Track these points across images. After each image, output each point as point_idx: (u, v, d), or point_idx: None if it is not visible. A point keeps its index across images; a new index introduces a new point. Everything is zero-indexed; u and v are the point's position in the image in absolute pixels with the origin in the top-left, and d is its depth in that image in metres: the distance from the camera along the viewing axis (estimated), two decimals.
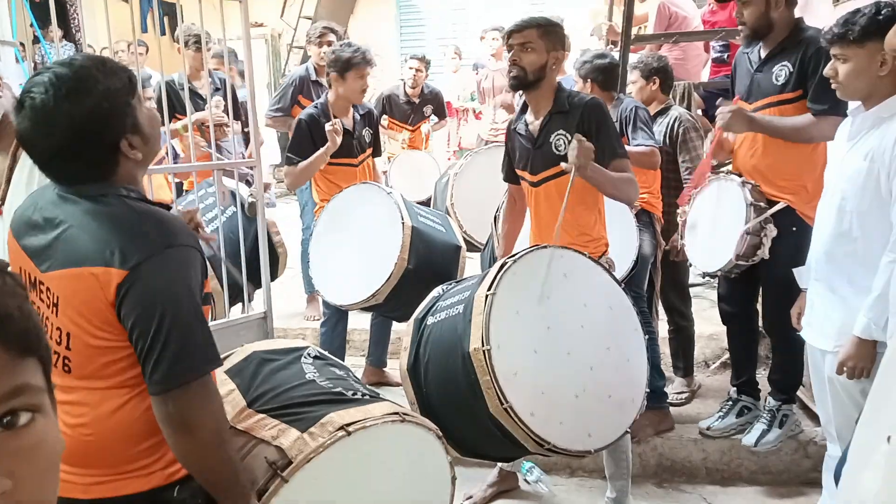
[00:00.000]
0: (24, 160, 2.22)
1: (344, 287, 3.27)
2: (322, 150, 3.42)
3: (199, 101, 4.28)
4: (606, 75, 3.21)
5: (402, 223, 3.16)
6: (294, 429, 1.51)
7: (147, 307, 1.28)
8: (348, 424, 1.50)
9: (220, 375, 1.76)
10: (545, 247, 2.22)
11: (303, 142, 3.48)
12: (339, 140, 3.40)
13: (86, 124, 1.30)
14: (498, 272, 2.07)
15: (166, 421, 1.30)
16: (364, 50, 3.60)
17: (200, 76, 4.49)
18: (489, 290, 2.02)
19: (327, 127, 3.40)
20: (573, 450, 2.00)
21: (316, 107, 3.56)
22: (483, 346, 1.93)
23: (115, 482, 1.35)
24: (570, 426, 2.00)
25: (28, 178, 2.20)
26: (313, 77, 4.65)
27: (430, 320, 2.24)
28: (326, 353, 2.00)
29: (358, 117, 3.64)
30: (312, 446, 1.46)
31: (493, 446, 2.08)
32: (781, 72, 2.74)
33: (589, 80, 3.20)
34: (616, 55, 3.69)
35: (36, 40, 8.20)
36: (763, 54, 2.82)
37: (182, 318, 1.30)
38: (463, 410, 1.99)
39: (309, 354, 1.87)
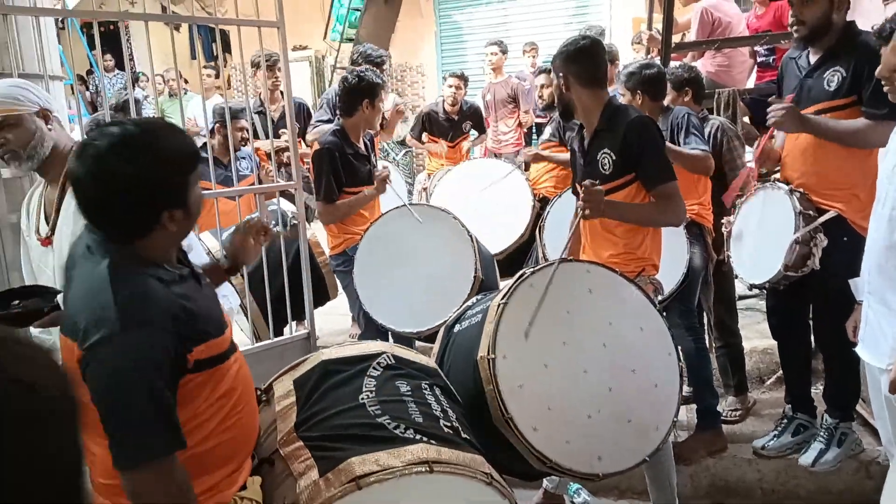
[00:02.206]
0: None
1: (416, 313, 3.14)
2: (371, 191, 3.41)
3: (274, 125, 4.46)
4: (656, 85, 3.11)
5: (470, 237, 3.16)
6: (317, 469, 1.48)
7: (98, 391, 1.31)
8: (362, 476, 1.43)
9: (287, 384, 1.78)
10: (570, 260, 2.17)
11: (334, 175, 3.34)
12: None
13: (137, 187, 1.34)
14: (515, 282, 2.04)
15: (126, 494, 1.33)
16: (378, 73, 3.57)
17: (276, 99, 4.67)
18: (502, 299, 1.99)
19: (379, 174, 3.40)
20: (578, 471, 1.91)
21: (335, 135, 3.41)
22: (488, 354, 1.90)
23: None
24: (578, 446, 1.92)
25: (76, 209, 2.26)
26: None
27: (456, 328, 2.22)
28: (408, 355, 1.93)
29: (366, 142, 3.56)
30: (323, 496, 1.42)
31: (503, 458, 2.01)
32: (834, 77, 2.63)
33: (639, 92, 3.08)
34: (654, 60, 3.64)
35: (90, 71, 8.55)
36: (813, 59, 2.72)
37: (128, 406, 1.30)
38: (474, 419, 1.93)
39: (379, 364, 1.81)
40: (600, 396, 2.00)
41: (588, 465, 1.93)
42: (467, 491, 1.54)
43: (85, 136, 1.43)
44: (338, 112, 4.55)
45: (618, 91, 3.22)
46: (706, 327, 3.44)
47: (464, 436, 1.70)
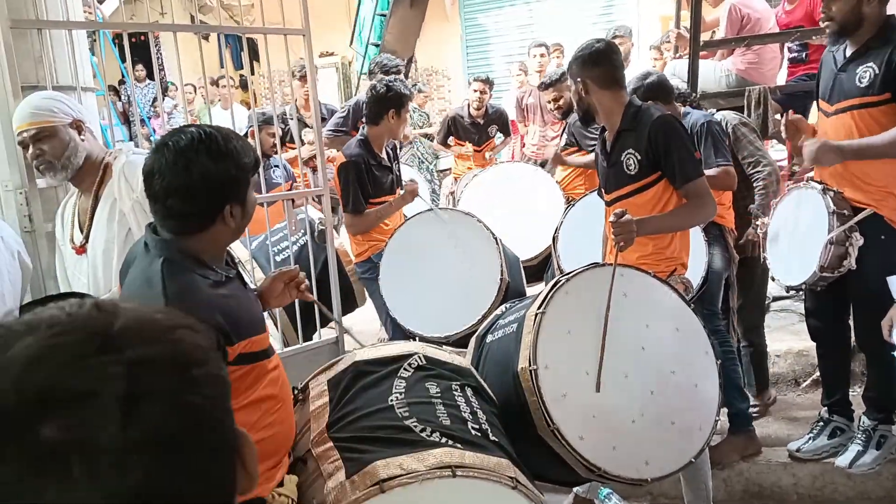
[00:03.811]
0: (106, 199, 2.33)
1: (444, 318, 3.14)
2: (398, 201, 3.41)
3: (309, 131, 4.56)
4: (663, 90, 3.07)
5: (496, 240, 3.14)
6: (344, 470, 1.51)
7: None
8: (386, 480, 1.45)
9: (322, 384, 1.84)
10: (603, 264, 2.16)
11: (362, 185, 3.36)
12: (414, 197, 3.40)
13: (211, 178, 1.51)
14: (550, 290, 2.03)
15: None
16: (407, 83, 3.58)
17: (310, 107, 4.79)
18: (539, 308, 1.98)
19: (407, 185, 3.39)
20: (626, 477, 1.90)
21: (360, 146, 3.42)
22: (530, 365, 1.89)
23: None
24: (625, 452, 1.91)
25: (109, 217, 2.31)
26: None
27: (489, 338, 2.21)
28: (440, 355, 1.94)
29: (389, 151, 3.56)
30: (349, 498, 1.44)
31: (549, 468, 2.01)
32: (866, 73, 2.57)
33: (650, 102, 3.06)
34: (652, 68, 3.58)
35: (122, 81, 8.71)
36: (848, 53, 2.66)
37: None
38: (516, 430, 1.92)
39: (410, 365, 1.83)
40: (643, 400, 1.99)
41: (636, 470, 1.92)
42: (491, 495, 1.54)
43: (161, 139, 1.59)
44: (363, 119, 4.61)
45: None
46: (732, 329, 3.38)
47: (492, 438, 1.70)
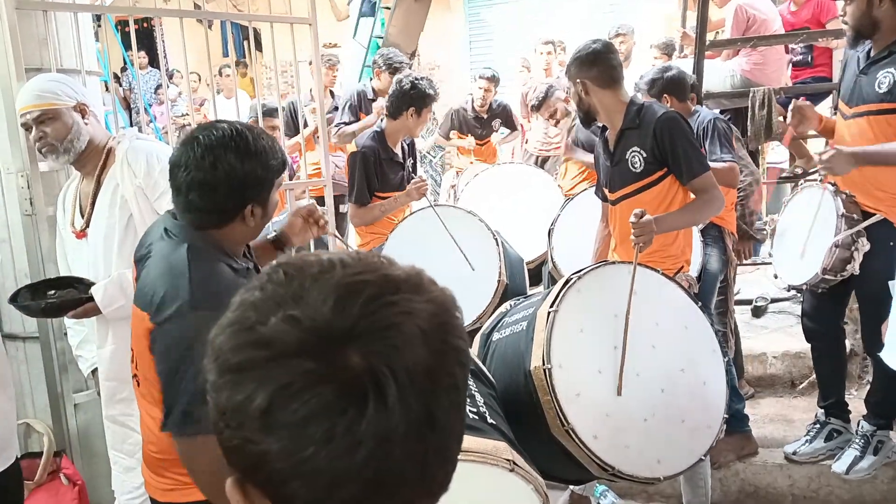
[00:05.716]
0: (108, 184, 2.31)
1: None
2: (403, 197, 3.38)
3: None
4: (680, 86, 3.08)
5: (496, 239, 3.13)
6: None
7: (161, 360, 1.47)
8: None
9: None
10: (613, 263, 2.15)
11: (368, 178, 3.34)
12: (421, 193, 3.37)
13: (235, 177, 1.51)
14: (562, 288, 2.02)
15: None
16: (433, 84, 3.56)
17: (327, 95, 4.83)
18: (552, 306, 1.96)
19: (414, 183, 3.36)
20: (640, 476, 1.90)
21: (373, 138, 3.39)
22: (544, 364, 1.87)
23: (182, 489, 1.56)
24: (638, 451, 1.91)
25: (111, 202, 2.30)
26: (370, 96, 4.74)
27: (495, 336, 2.20)
28: None
29: (405, 147, 3.54)
30: None
31: (560, 467, 2.00)
32: (886, 78, 2.51)
33: (665, 96, 3.05)
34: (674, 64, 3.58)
35: (124, 67, 8.68)
36: (872, 55, 2.61)
37: (185, 377, 1.41)
38: (527, 428, 1.91)
39: None
40: (654, 399, 1.99)
41: (649, 469, 1.92)
42: (489, 478, 1.53)
43: (191, 132, 1.58)
44: (363, 109, 4.59)
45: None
46: (730, 331, 3.38)
47: (489, 421, 1.70)
